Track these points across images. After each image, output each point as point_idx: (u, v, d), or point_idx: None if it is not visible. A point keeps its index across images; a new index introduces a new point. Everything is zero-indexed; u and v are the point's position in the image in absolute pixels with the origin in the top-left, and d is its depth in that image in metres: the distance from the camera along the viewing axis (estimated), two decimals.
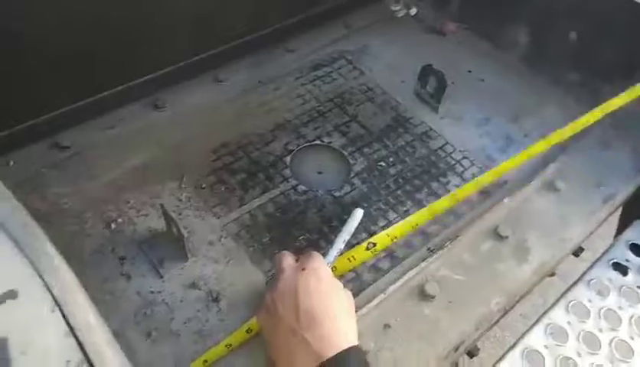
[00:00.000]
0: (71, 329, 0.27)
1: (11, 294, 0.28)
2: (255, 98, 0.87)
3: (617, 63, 0.82)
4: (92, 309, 0.30)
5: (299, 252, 0.63)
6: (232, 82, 0.88)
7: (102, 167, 0.75)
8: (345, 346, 0.52)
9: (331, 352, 0.51)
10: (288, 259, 0.60)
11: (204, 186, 0.74)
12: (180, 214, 0.70)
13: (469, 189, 0.71)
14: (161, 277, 0.64)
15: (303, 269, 0.57)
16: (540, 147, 0.76)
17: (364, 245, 0.64)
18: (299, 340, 0.52)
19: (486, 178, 0.72)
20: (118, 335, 0.58)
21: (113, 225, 0.68)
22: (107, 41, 0.73)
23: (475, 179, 0.72)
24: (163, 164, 0.76)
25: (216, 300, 0.63)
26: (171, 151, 0.78)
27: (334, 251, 0.64)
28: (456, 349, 0.63)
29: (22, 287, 0.28)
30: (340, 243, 0.64)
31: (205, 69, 0.87)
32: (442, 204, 0.68)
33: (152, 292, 0.63)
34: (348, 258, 0.65)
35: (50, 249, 0.31)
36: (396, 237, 0.66)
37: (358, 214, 0.67)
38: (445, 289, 0.67)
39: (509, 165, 0.74)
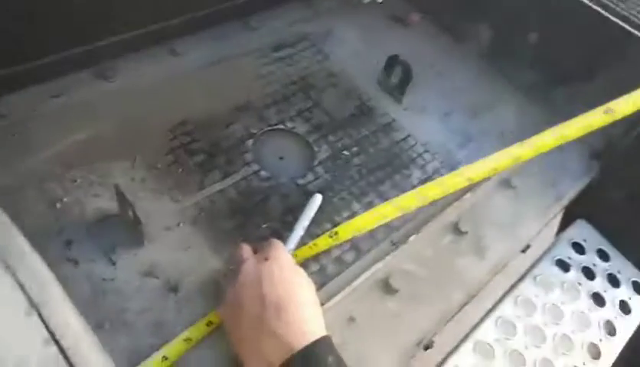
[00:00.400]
0: (51, 334, 0.23)
1: None
2: (214, 75, 0.82)
3: (575, 68, 0.84)
4: (72, 307, 0.26)
5: (261, 241, 0.61)
6: (190, 57, 0.83)
7: (44, 140, 0.67)
8: (315, 336, 0.50)
9: (301, 342, 0.49)
10: (247, 250, 0.58)
11: (159, 166, 0.69)
12: (134, 196, 0.65)
13: (438, 193, 0.69)
14: (113, 263, 0.59)
15: (266, 259, 0.55)
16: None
17: (327, 234, 0.63)
18: (267, 332, 0.50)
19: (457, 183, 0.71)
20: None
21: (58, 205, 0.62)
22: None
23: (443, 181, 0.71)
24: (113, 140, 0.70)
25: (174, 289, 0.59)
26: (121, 126, 0.72)
27: (294, 238, 0.63)
28: (418, 344, 0.63)
29: None
30: (300, 230, 0.63)
31: (160, 40, 0.81)
32: (411, 202, 0.67)
33: (104, 279, 0.58)
34: (310, 246, 0.63)
35: (22, 242, 0.26)
36: (359, 230, 0.65)
37: (317, 199, 0.66)
38: (408, 283, 0.67)
39: (480, 174, 0.71)
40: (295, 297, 0.53)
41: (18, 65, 0.68)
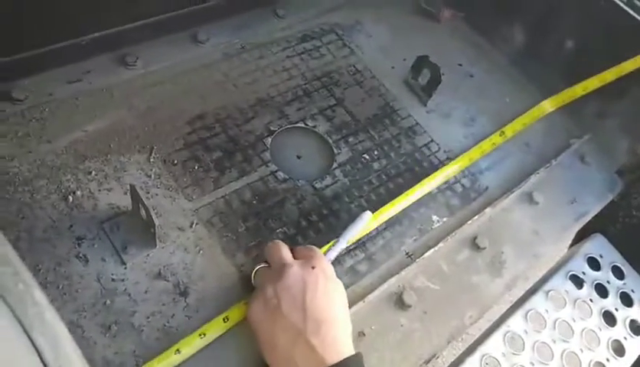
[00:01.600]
0: None
1: None
2: (237, 65, 0.79)
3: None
4: None
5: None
6: (212, 45, 0.80)
7: (60, 128, 0.65)
8: (347, 353, 0.51)
9: (334, 358, 0.50)
10: (287, 252, 0.57)
11: (175, 162, 0.67)
12: (148, 192, 0.64)
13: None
14: (124, 263, 0.58)
15: (313, 267, 0.54)
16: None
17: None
18: (303, 343, 0.50)
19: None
20: (74, 325, 0.53)
21: (71, 198, 0.61)
22: None
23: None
24: (131, 131, 0.68)
25: (183, 293, 0.58)
26: (141, 116, 0.70)
27: (336, 250, 0.61)
28: (427, 362, 0.62)
29: (3, 350, 0.22)
30: (343, 242, 0.62)
31: (184, 26, 0.78)
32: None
33: (114, 280, 0.57)
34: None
35: (39, 296, 0.24)
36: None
37: (366, 216, 0.64)
38: (422, 299, 0.65)
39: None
40: (336, 312, 0.54)
41: (36, 48, 0.65)
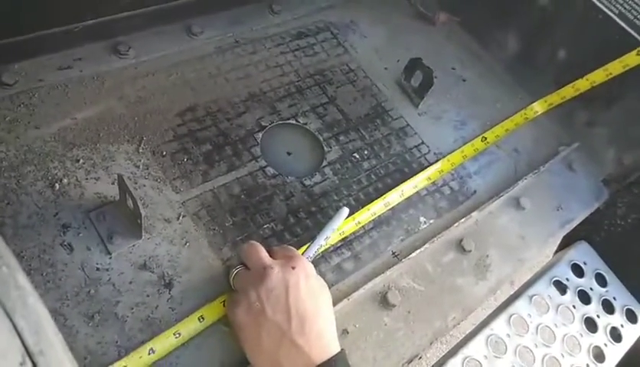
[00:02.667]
0: None
1: None
2: (230, 59, 0.79)
3: (600, 92, 0.82)
4: (71, 359, 0.25)
5: (262, 243, 0.59)
6: (206, 37, 0.79)
7: (48, 114, 0.65)
8: (333, 350, 0.51)
9: (321, 356, 0.50)
10: (265, 253, 0.56)
11: (164, 153, 0.67)
12: (135, 183, 0.63)
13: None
14: (109, 253, 0.57)
15: (293, 267, 0.54)
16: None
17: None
18: (289, 344, 0.51)
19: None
20: (57, 313, 0.53)
21: (57, 186, 0.60)
22: None
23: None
24: (121, 121, 0.68)
25: (168, 285, 0.58)
26: (131, 106, 0.69)
27: (314, 248, 0.61)
28: (409, 362, 0.63)
29: None
30: (321, 240, 0.61)
31: (179, 17, 0.78)
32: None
33: (98, 269, 0.56)
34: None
35: (22, 280, 0.24)
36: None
37: (344, 213, 0.64)
38: (406, 298, 0.66)
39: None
40: (319, 310, 0.54)
41: (28, 33, 0.64)
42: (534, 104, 0.87)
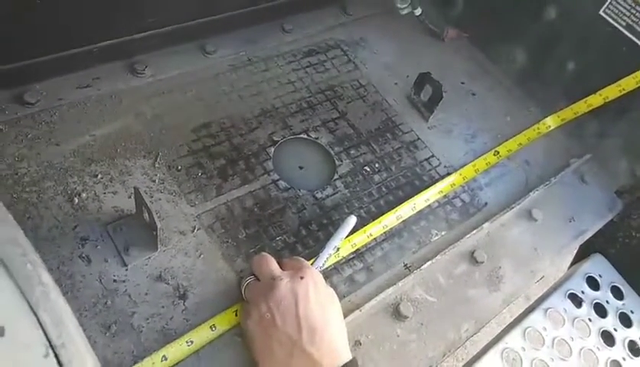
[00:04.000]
0: None
1: None
2: (243, 77, 0.81)
3: (611, 103, 0.82)
4: (90, 352, 0.26)
5: (275, 254, 0.60)
6: (220, 56, 0.82)
7: (68, 131, 0.67)
8: (343, 359, 0.52)
9: (333, 365, 0.50)
10: (276, 265, 0.57)
11: (179, 168, 0.69)
12: (152, 196, 0.65)
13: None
14: (126, 265, 0.59)
15: (302, 278, 0.55)
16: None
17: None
18: (299, 353, 0.51)
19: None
20: None
21: (76, 200, 0.62)
22: None
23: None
24: (138, 137, 0.70)
25: (183, 296, 0.59)
26: (147, 123, 0.71)
27: (323, 257, 0.62)
28: None
29: (10, 323, 0.23)
30: (330, 249, 0.62)
31: (193, 37, 0.80)
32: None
33: (115, 281, 0.58)
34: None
35: (46, 277, 0.26)
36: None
37: (351, 221, 0.65)
38: (419, 310, 0.66)
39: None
40: (329, 319, 0.54)
41: (49, 54, 0.67)
42: (547, 119, 0.87)
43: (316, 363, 0.51)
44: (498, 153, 0.83)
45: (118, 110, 0.71)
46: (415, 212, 0.73)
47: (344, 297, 0.65)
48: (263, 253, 0.60)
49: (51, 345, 0.23)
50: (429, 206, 0.75)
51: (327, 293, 0.57)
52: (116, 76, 0.74)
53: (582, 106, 0.84)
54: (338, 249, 0.65)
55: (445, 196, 0.77)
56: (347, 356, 0.53)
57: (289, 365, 0.51)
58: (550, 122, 0.87)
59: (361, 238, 0.68)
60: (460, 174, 0.79)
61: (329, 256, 0.62)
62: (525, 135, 0.86)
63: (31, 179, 0.62)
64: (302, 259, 0.60)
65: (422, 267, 0.68)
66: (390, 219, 0.71)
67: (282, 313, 0.52)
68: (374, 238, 0.69)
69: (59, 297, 0.26)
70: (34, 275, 0.25)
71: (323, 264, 0.62)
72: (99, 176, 0.65)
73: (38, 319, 0.23)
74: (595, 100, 0.83)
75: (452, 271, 0.71)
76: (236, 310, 0.58)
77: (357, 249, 0.68)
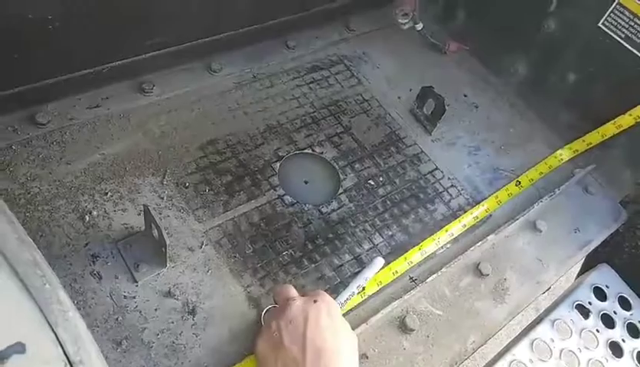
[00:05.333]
0: None
1: (18, 348, 0.24)
2: (248, 93, 0.83)
3: (610, 113, 0.83)
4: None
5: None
6: (225, 73, 0.84)
7: (79, 151, 0.69)
8: None
9: None
10: (293, 291, 0.58)
11: (187, 184, 0.70)
12: (160, 213, 0.66)
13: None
14: (136, 281, 0.60)
15: (315, 301, 0.55)
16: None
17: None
18: None
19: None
20: None
21: (87, 218, 0.63)
22: (94, 13, 0.66)
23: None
24: (146, 155, 0.71)
25: (192, 312, 0.60)
26: (155, 141, 0.73)
27: (346, 294, 0.62)
28: None
29: (30, 340, 0.24)
30: (354, 287, 0.62)
31: (199, 56, 0.82)
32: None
33: (126, 297, 0.59)
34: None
35: (63, 296, 0.27)
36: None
37: (379, 263, 0.65)
38: (425, 323, 0.67)
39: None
40: (340, 349, 0.52)
41: (59, 75, 0.69)
42: (572, 144, 0.87)
43: None
44: (520, 183, 0.83)
45: (127, 128, 0.73)
46: (439, 247, 0.74)
47: (351, 310, 0.65)
48: (286, 284, 0.61)
49: (69, 362, 0.24)
50: (433, 217, 0.76)
51: (342, 323, 0.56)
52: (125, 95, 0.76)
53: (610, 128, 0.84)
54: (364, 289, 0.65)
55: (449, 209, 0.78)
56: None
57: None
58: (577, 146, 0.87)
59: (387, 275, 0.68)
60: (483, 205, 0.79)
61: (352, 294, 0.62)
62: (546, 164, 0.86)
63: (43, 198, 0.64)
64: (322, 291, 0.59)
65: (428, 279, 0.69)
66: (416, 256, 0.71)
67: (289, 332, 0.52)
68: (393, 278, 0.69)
69: (76, 315, 0.27)
70: (53, 295, 0.26)
71: (345, 301, 0.62)
72: (109, 194, 0.66)
73: (57, 337, 0.24)
74: (609, 129, 0.84)
75: (457, 283, 0.71)
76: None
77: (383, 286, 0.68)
